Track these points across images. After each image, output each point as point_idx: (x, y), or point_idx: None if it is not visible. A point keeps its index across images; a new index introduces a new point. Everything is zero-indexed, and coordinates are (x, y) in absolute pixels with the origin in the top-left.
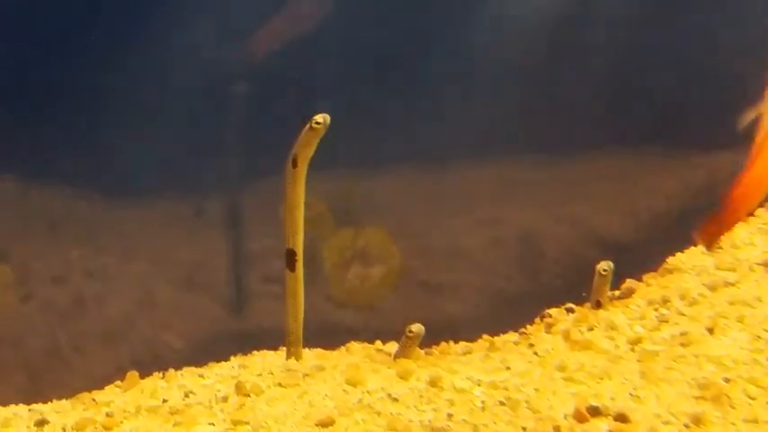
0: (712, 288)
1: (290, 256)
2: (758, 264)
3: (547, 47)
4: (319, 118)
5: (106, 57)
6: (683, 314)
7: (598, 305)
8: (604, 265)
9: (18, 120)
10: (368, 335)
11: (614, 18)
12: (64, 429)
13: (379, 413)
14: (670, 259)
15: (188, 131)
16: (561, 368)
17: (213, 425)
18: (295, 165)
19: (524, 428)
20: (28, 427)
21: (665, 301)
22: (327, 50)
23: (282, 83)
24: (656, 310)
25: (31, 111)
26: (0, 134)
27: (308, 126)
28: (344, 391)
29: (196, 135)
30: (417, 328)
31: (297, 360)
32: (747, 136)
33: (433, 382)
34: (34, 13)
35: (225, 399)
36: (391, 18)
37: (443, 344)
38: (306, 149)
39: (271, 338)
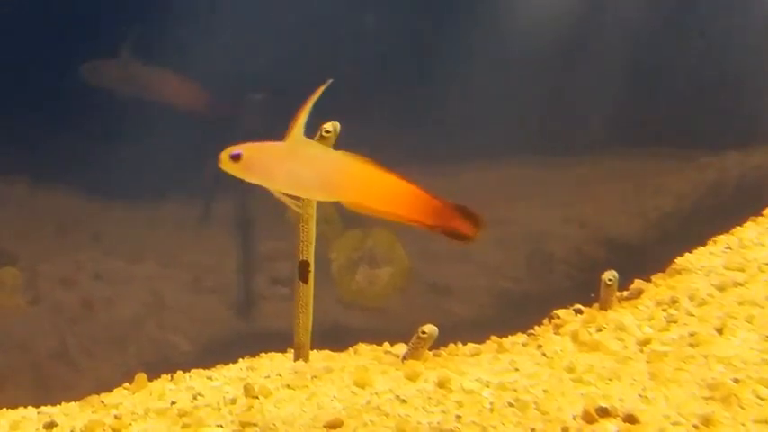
0: (721, 288)
1: (304, 267)
2: (767, 264)
3: (557, 48)
4: (329, 126)
5: (115, 60)
6: (692, 314)
7: None
8: (609, 275)
9: (27, 123)
10: (376, 336)
11: (624, 20)
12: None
13: (387, 415)
14: (678, 259)
15: (196, 134)
16: (570, 369)
17: (221, 427)
18: None
19: (533, 429)
20: (37, 429)
21: (674, 302)
22: (337, 51)
23: (290, 85)
24: (664, 310)
25: (39, 114)
26: (9, 137)
27: (318, 135)
28: (353, 392)
29: (203, 137)
30: (430, 329)
31: (305, 362)
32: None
33: (442, 384)
34: (43, 19)
35: (233, 401)
36: (401, 18)
37: (451, 345)
38: None
39: (279, 340)
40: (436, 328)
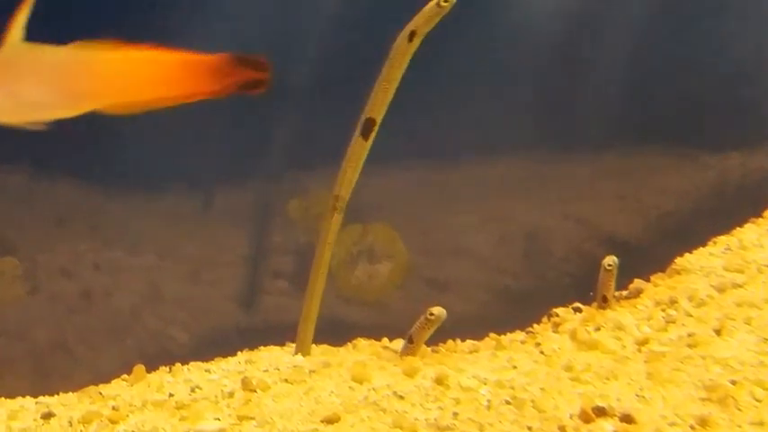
0: (720, 289)
1: (369, 124)
2: (766, 265)
3: (557, 46)
4: None
5: None
6: (691, 315)
7: (604, 300)
8: (609, 260)
9: None
10: (374, 332)
11: (625, 18)
12: (70, 422)
13: (384, 410)
14: (678, 260)
15: (196, 125)
16: (568, 368)
17: (219, 420)
18: (411, 39)
19: (530, 428)
20: (34, 419)
21: (673, 302)
22: (337, 46)
23: (291, 80)
24: (663, 310)
25: None
26: (8, 127)
27: (434, 2)
28: (350, 387)
29: (203, 129)
30: (439, 311)
31: (304, 356)
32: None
33: (440, 381)
34: (39, 9)
35: (231, 394)
36: (401, 15)
37: (450, 342)
38: (426, 26)
39: (278, 334)
40: (444, 311)
